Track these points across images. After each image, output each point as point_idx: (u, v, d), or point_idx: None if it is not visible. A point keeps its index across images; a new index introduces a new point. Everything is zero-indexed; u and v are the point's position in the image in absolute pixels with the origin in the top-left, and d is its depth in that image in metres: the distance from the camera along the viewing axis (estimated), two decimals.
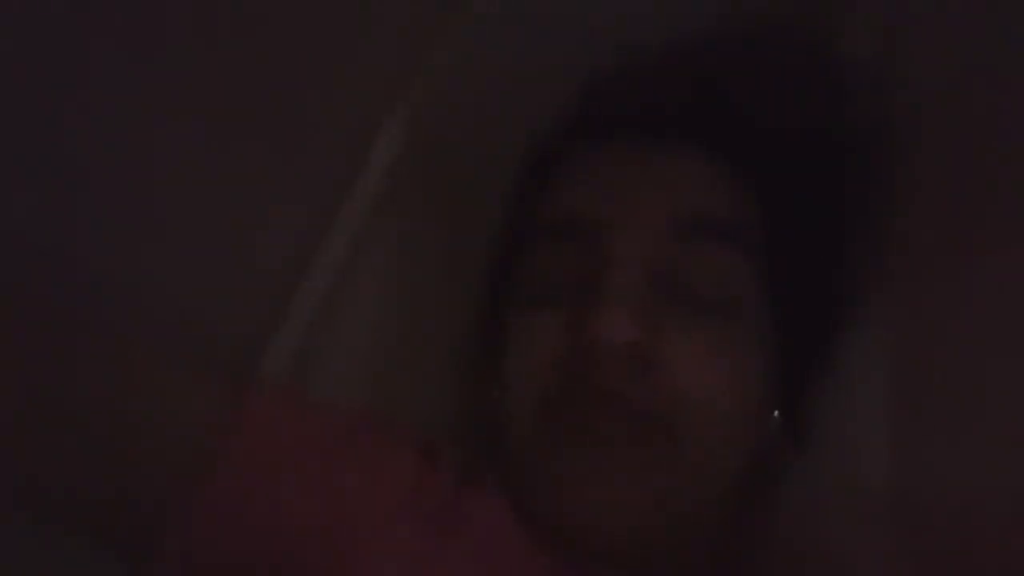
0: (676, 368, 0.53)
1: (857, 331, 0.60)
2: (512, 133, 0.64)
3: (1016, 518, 0.52)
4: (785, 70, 0.60)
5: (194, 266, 0.60)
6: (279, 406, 0.57)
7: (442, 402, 0.65)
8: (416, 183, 0.66)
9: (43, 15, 0.56)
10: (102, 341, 0.55)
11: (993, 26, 0.58)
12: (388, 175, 0.65)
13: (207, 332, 0.59)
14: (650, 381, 0.53)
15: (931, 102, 0.60)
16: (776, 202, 0.58)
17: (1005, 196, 0.56)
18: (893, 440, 0.57)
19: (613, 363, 0.52)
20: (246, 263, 0.62)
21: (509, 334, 0.58)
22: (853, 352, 0.60)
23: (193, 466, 0.53)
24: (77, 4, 0.57)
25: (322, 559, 0.53)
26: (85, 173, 0.58)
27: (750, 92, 0.58)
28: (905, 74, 0.61)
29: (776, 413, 0.57)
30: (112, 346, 0.55)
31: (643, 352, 0.53)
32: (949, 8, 0.60)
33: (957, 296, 0.57)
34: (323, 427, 0.57)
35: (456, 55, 0.65)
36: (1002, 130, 0.57)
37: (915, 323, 0.59)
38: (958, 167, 0.58)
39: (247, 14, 0.60)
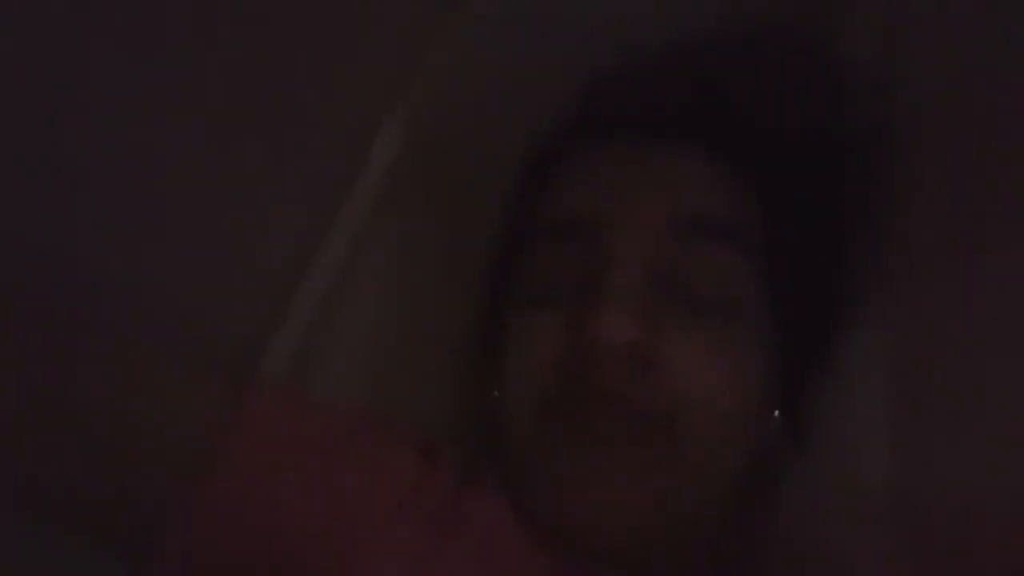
0: (676, 368, 0.53)
1: (857, 331, 0.60)
2: (512, 133, 0.64)
3: (1016, 518, 0.52)
4: (785, 70, 0.60)
5: (194, 266, 0.60)
6: (279, 406, 0.57)
7: (442, 402, 0.65)
8: (416, 183, 0.66)
9: (43, 15, 0.56)
10: (102, 341, 0.55)
11: (993, 26, 0.58)
12: (388, 175, 0.65)
13: (207, 332, 0.59)
14: (650, 381, 0.53)
15: (931, 102, 0.60)
16: (776, 202, 0.58)
17: (1005, 196, 0.56)
18: (893, 440, 0.57)
19: (613, 363, 0.52)
20: (246, 263, 0.62)
21: (509, 334, 0.58)
22: (853, 352, 0.60)
23: (193, 466, 0.53)
24: (77, 4, 0.57)
25: (322, 559, 0.53)
26: (85, 173, 0.58)
27: (750, 92, 0.58)
28: (905, 74, 0.61)
29: (776, 413, 0.58)
30: (112, 346, 0.55)
31: (643, 352, 0.53)
32: (949, 8, 0.60)
33: (957, 296, 0.57)
34: (323, 427, 0.57)
35: (456, 55, 0.65)
36: (1002, 130, 0.57)
37: (915, 323, 0.59)
38: (958, 167, 0.58)
39: (247, 14, 0.60)
